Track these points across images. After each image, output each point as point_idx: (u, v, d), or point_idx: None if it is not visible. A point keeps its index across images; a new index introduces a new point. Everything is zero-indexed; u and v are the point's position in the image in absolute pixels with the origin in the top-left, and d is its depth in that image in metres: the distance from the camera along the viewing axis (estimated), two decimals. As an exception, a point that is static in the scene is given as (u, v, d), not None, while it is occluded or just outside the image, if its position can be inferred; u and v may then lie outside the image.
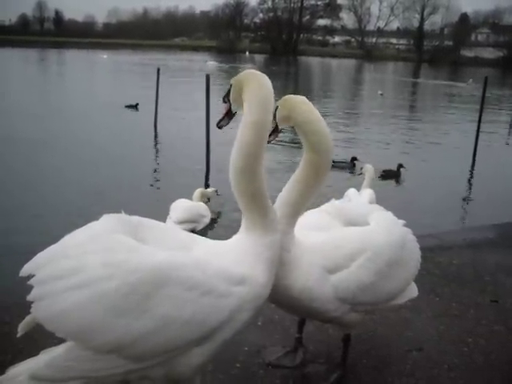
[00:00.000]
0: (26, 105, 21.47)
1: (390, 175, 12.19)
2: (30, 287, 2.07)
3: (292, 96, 2.77)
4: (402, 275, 3.12)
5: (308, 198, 2.83)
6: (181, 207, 8.04)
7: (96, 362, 2.08)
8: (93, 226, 2.29)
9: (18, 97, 24.23)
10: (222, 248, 2.50)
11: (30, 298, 2.05)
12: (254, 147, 2.39)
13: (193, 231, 7.79)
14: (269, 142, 2.60)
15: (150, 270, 2.09)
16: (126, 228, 2.32)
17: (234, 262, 2.38)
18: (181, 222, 7.84)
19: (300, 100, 2.75)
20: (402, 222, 3.29)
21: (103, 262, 2.07)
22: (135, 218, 2.46)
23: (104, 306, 2.01)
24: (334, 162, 12.52)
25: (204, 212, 8.28)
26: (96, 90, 29.23)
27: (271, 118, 2.49)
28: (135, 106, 21.24)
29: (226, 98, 2.61)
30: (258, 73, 2.50)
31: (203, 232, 8.22)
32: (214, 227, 8.52)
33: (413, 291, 3.38)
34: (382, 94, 32.31)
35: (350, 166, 12.90)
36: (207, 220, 8.36)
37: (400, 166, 12.27)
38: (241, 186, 2.46)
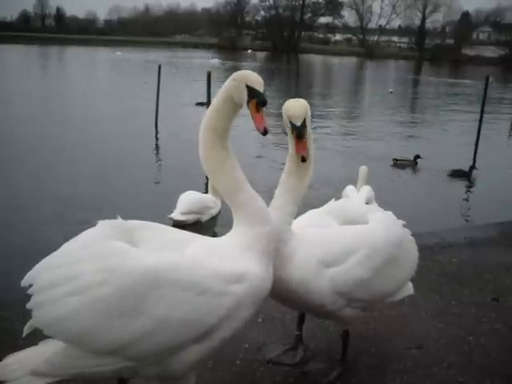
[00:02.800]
0: (98, 107, 20.82)
1: (460, 175, 12.50)
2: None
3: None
4: (398, 274, 3.17)
5: (303, 183, 2.88)
6: (185, 199, 8.21)
7: (93, 360, 2.14)
8: (88, 233, 2.34)
9: (78, 99, 23.17)
10: (216, 245, 2.52)
11: (28, 306, 2.12)
12: (209, 134, 2.51)
13: (198, 222, 8.21)
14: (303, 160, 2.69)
15: (142, 273, 2.13)
16: (122, 233, 2.36)
17: (229, 258, 2.40)
18: (184, 213, 8.05)
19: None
20: (401, 222, 3.31)
21: (96, 268, 2.12)
22: (131, 222, 2.49)
23: (99, 310, 2.07)
24: (397, 159, 12.86)
25: (211, 204, 8.42)
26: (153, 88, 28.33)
27: (223, 105, 2.52)
28: (206, 104, 21.32)
29: None
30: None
31: (211, 222, 8.45)
32: (223, 218, 8.48)
33: (409, 289, 3.41)
34: (391, 92, 32.30)
35: (413, 163, 13.24)
36: (214, 211, 8.49)
37: (472, 167, 12.56)
38: (212, 176, 2.58)
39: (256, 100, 2.44)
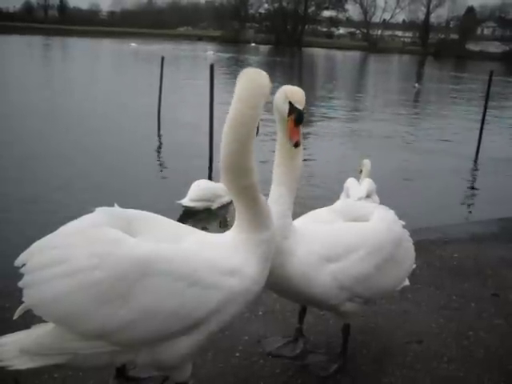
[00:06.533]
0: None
1: None
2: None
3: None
4: (397, 273, 3.22)
5: (295, 173, 2.85)
6: (196, 187, 8.58)
7: (81, 343, 2.15)
8: (85, 219, 2.34)
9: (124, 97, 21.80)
10: (214, 241, 2.51)
11: (20, 284, 2.14)
12: (237, 144, 2.31)
13: (208, 209, 8.60)
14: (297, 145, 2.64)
15: (134, 261, 2.13)
16: (118, 221, 2.36)
17: (226, 255, 2.40)
18: (193, 200, 8.43)
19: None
20: (401, 222, 3.35)
21: (89, 253, 2.12)
22: (128, 211, 2.48)
23: (88, 294, 2.08)
24: None
25: (221, 192, 8.72)
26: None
27: (253, 112, 2.31)
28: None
29: None
30: (251, 69, 2.41)
31: (223, 210, 8.78)
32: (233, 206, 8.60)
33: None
34: (415, 87, 32.38)
35: None
36: (225, 200, 8.77)
37: None
38: (229, 183, 2.44)
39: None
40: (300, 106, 2.63)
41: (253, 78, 2.36)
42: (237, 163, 2.35)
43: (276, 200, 2.82)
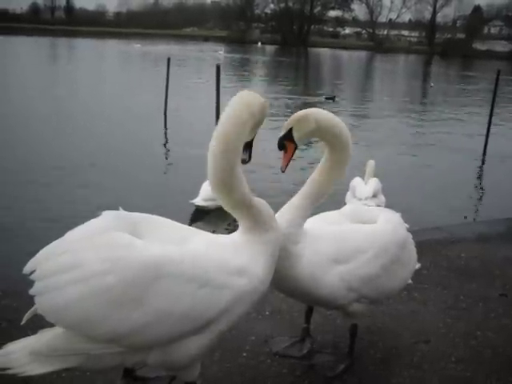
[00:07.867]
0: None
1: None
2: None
3: (311, 110, 2.85)
4: (402, 274, 3.25)
5: (325, 192, 2.97)
6: (208, 186, 8.64)
7: (93, 345, 2.16)
8: (92, 223, 2.35)
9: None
10: (220, 241, 2.54)
11: (31, 292, 2.13)
12: (222, 161, 2.36)
13: (220, 208, 8.52)
14: (284, 168, 2.83)
15: (146, 265, 2.14)
16: (125, 224, 2.37)
17: (233, 255, 2.42)
18: (205, 200, 8.60)
19: (322, 111, 2.86)
20: (405, 225, 3.38)
21: (101, 258, 2.12)
22: (134, 215, 2.49)
23: (101, 299, 2.08)
24: None
25: None
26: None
27: (237, 129, 2.35)
28: (333, 98, 23.01)
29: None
30: (245, 92, 2.46)
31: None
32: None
33: None
34: (432, 86, 32.63)
35: None
36: None
37: None
38: (220, 200, 2.53)
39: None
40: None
41: (242, 97, 2.42)
42: (223, 181, 2.41)
43: (294, 208, 2.90)
